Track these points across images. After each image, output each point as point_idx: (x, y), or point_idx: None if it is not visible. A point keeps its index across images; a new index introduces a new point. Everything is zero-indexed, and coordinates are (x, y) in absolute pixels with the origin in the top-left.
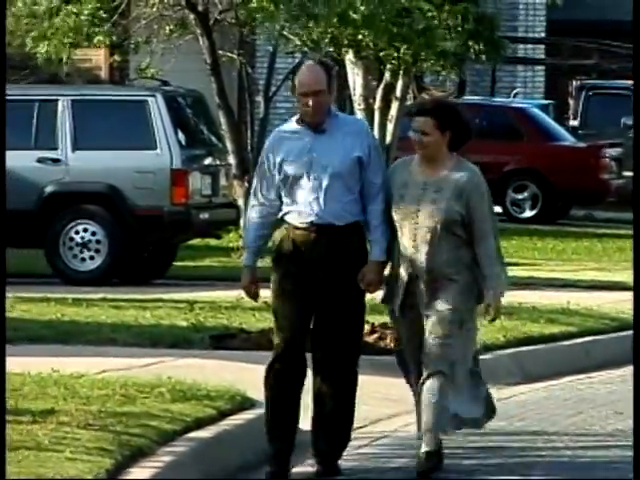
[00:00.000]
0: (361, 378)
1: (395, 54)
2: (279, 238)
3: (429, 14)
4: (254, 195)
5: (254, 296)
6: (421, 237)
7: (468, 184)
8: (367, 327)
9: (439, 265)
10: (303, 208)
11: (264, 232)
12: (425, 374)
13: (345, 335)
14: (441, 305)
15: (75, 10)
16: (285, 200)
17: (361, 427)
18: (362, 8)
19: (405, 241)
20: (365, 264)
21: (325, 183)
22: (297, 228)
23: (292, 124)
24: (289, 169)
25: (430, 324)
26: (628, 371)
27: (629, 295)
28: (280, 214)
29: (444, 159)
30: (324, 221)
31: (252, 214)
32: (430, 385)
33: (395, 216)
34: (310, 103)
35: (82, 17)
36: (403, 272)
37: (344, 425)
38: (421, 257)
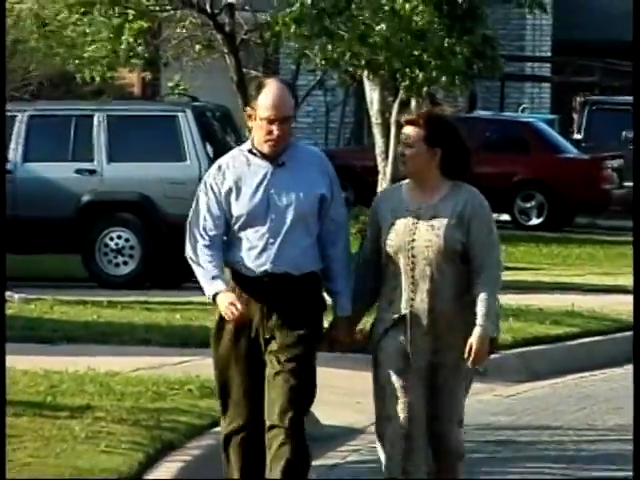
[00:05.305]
0: (369, 375)
1: (410, 74)
2: None
3: (441, 33)
4: (198, 235)
5: (240, 308)
6: (420, 271)
7: (468, 207)
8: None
9: (442, 302)
10: (256, 254)
11: (221, 259)
12: (435, 447)
13: (296, 407)
14: (446, 357)
15: (112, 36)
16: (232, 243)
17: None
18: (380, 28)
19: (401, 277)
20: (320, 320)
21: (286, 226)
22: (247, 278)
23: (242, 154)
24: (241, 208)
25: (436, 382)
26: (628, 369)
27: (630, 298)
28: (225, 259)
29: (436, 183)
30: (280, 270)
31: (204, 252)
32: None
33: (387, 249)
34: (275, 131)
35: (121, 46)
36: (395, 313)
37: None
38: (421, 295)
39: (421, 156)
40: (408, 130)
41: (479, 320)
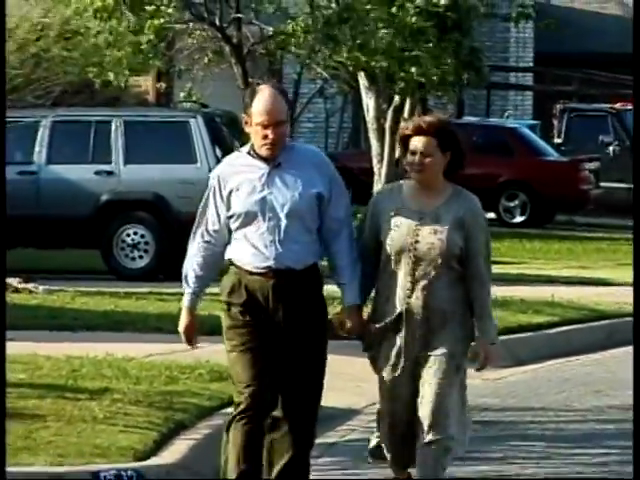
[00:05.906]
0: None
1: (405, 76)
2: (227, 285)
3: (430, 45)
4: (198, 232)
5: (190, 341)
6: (420, 271)
7: (469, 214)
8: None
9: (437, 301)
10: (258, 251)
11: (209, 274)
12: (424, 440)
13: (308, 394)
14: (437, 350)
15: (135, 40)
16: (234, 241)
17: (373, 404)
18: (381, 32)
19: (401, 276)
20: (324, 309)
21: (283, 224)
22: (251, 273)
23: (242, 156)
24: (240, 207)
25: (425, 374)
26: (604, 355)
27: (605, 289)
28: (227, 256)
29: (440, 186)
30: (283, 266)
31: (195, 252)
32: (425, 456)
33: (388, 249)
34: (270, 135)
35: (142, 46)
36: (391, 310)
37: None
38: (418, 293)
39: (438, 164)
40: (423, 139)
41: (484, 328)
